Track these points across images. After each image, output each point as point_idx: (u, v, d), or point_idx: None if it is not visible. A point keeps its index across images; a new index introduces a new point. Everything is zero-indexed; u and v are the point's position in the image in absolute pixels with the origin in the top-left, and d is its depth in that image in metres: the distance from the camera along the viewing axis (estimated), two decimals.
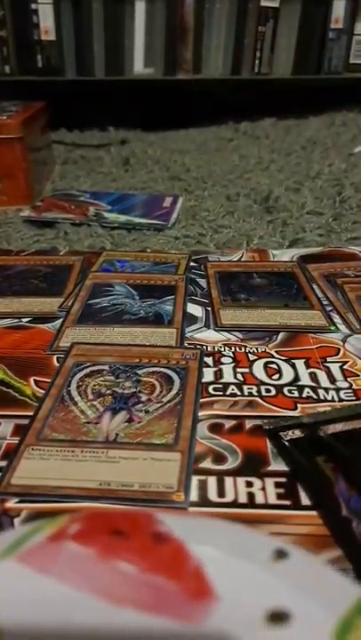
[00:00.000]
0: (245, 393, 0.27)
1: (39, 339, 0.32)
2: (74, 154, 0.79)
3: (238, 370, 0.29)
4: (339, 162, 0.69)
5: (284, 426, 0.24)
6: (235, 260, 0.44)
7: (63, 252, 0.46)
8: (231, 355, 0.30)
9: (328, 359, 0.30)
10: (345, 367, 0.29)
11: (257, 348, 0.31)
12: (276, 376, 0.28)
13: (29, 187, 0.57)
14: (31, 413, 0.25)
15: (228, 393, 0.27)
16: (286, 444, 0.22)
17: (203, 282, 0.39)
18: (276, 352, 0.30)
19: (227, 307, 0.35)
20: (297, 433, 0.23)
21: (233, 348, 0.31)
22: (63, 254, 0.45)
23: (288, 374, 0.28)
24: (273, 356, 0.30)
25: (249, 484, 0.21)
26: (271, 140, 0.85)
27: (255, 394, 0.27)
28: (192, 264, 0.42)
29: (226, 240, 0.47)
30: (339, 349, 0.31)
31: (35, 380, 0.28)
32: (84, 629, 0.12)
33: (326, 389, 0.27)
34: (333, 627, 0.11)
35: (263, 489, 0.21)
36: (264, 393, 0.27)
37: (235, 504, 0.20)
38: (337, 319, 0.34)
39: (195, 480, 0.21)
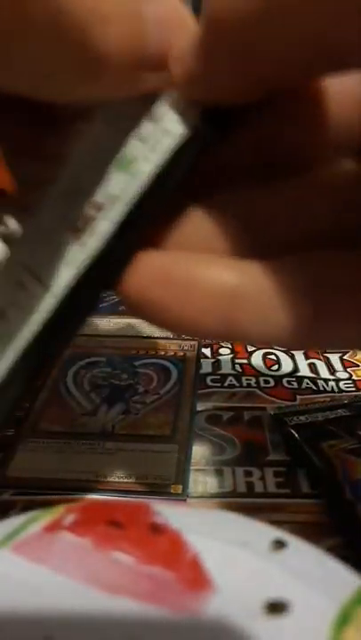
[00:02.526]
0: (244, 384, 0.26)
1: None
2: None
3: (237, 361, 0.28)
4: None
5: (289, 412, 0.24)
6: None
7: None
8: (229, 346, 0.30)
9: (328, 349, 0.30)
10: (345, 358, 0.29)
11: None
12: (275, 367, 0.28)
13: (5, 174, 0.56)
14: (27, 405, 0.25)
15: (226, 384, 0.27)
16: (291, 430, 0.22)
17: None
18: None
19: None
20: (302, 419, 0.23)
21: None
22: None
23: (287, 365, 0.28)
24: (272, 347, 0.30)
25: (248, 474, 0.21)
26: None
27: (254, 385, 0.26)
28: None
29: None
30: None
31: None
32: (79, 618, 0.12)
33: (326, 380, 0.27)
34: (333, 616, 0.11)
35: (262, 478, 0.20)
36: (263, 384, 0.27)
37: (233, 494, 0.20)
38: None
39: (192, 471, 0.21)
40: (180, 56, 0.11)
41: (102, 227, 0.14)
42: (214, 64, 0.10)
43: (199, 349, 0.29)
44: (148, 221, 0.14)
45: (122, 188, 0.14)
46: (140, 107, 0.14)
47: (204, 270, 0.11)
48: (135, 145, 0.14)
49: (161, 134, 0.14)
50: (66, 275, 0.15)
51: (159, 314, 0.11)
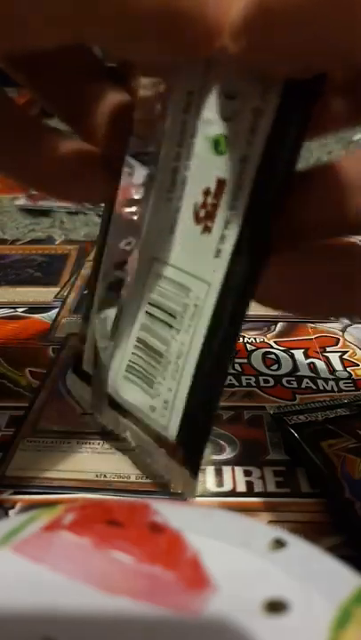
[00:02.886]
0: (243, 384, 0.26)
1: (34, 329, 0.32)
2: None
3: (236, 360, 0.28)
4: (338, 149, 0.68)
5: (289, 411, 0.24)
6: None
7: (59, 240, 0.45)
8: None
9: (327, 349, 0.30)
10: (345, 357, 0.29)
11: (255, 339, 0.30)
12: (274, 366, 0.28)
13: None
14: (26, 404, 0.25)
15: (225, 384, 0.26)
16: (291, 429, 0.22)
17: None
18: (274, 342, 0.30)
19: None
20: (302, 418, 0.23)
21: None
22: (59, 243, 0.45)
23: (287, 365, 0.28)
24: (271, 347, 0.30)
25: (247, 473, 0.21)
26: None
27: (253, 384, 0.26)
28: None
29: None
30: (338, 339, 0.31)
31: (30, 370, 0.28)
32: (79, 617, 0.12)
33: (326, 380, 0.27)
34: (333, 616, 0.11)
35: (262, 477, 0.20)
36: (262, 384, 0.26)
37: (233, 493, 0.20)
38: None
39: None
40: (234, 29, 0.11)
41: (229, 214, 0.15)
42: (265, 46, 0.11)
43: None
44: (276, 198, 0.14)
45: (231, 172, 0.15)
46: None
47: None
48: (230, 126, 0.14)
49: (252, 114, 0.14)
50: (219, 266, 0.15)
51: None
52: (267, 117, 0.14)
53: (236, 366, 0.28)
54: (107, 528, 0.13)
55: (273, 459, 0.21)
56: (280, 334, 0.31)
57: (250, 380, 0.27)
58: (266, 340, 0.30)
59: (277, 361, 0.28)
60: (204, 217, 0.15)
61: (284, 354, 0.29)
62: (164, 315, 0.17)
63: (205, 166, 0.15)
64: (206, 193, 0.15)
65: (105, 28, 0.11)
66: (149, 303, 0.18)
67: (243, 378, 0.27)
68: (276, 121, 0.13)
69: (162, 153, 0.16)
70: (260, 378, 0.27)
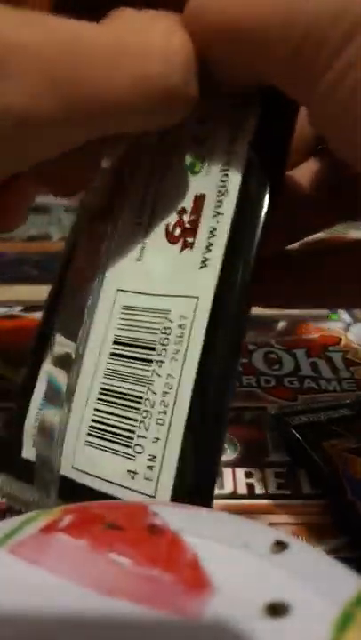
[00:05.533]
0: (244, 384, 0.26)
1: (31, 328, 0.31)
2: None
3: None
4: None
5: (290, 411, 0.23)
6: None
7: (56, 238, 0.45)
8: None
9: (330, 348, 0.29)
10: (347, 357, 0.29)
11: (256, 338, 0.30)
12: (276, 366, 0.28)
13: None
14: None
15: None
16: (292, 430, 0.22)
17: None
18: (276, 342, 0.30)
19: None
20: (303, 418, 0.23)
21: None
22: (56, 241, 0.44)
23: (288, 364, 0.28)
24: (273, 346, 0.30)
25: (248, 475, 0.21)
26: None
27: (254, 385, 0.26)
28: None
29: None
30: (340, 338, 0.30)
31: None
32: (76, 620, 0.11)
33: (328, 380, 0.27)
34: (334, 618, 0.10)
35: (263, 479, 0.20)
36: (264, 384, 0.26)
37: (234, 495, 0.20)
38: None
39: None
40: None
41: (216, 227, 0.14)
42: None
43: None
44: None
45: (209, 188, 0.14)
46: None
47: None
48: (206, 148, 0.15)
49: (230, 130, 0.14)
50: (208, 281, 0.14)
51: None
52: (249, 125, 0.14)
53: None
54: (105, 530, 0.13)
55: (274, 460, 0.21)
56: (282, 333, 0.31)
57: (251, 380, 0.27)
58: (267, 340, 0.30)
59: (279, 361, 0.28)
60: (181, 234, 0.15)
61: (286, 353, 0.29)
62: (137, 351, 0.15)
63: (180, 188, 0.15)
64: (181, 212, 0.15)
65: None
66: (115, 342, 0.15)
67: (244, 378, 0.27)
68: (259, 125, 0.14)
69: (132, 182, 0.16)
70: (262, 378, 0.27)
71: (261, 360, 0.28)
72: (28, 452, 0.16)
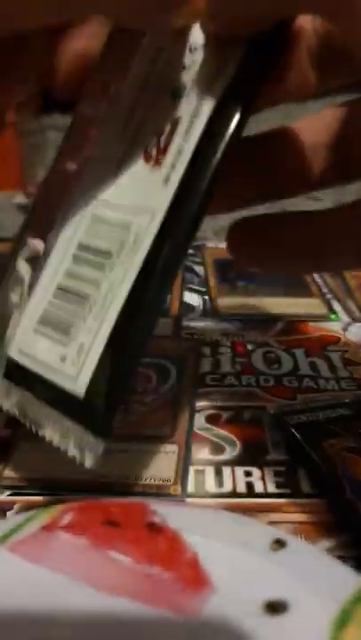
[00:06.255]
0: (244, 383, 0.26)
1: None
2: None
3: (236, 359, 0.28)
4: None
5: (289, 411, 0.23)
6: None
7: None
8: (229, 344, 0.30)
9: (329, 348, 0.29)
10: (346, 356, 0.29)
11: (255, 337, 0.30)
12: (275, 366, 0.28)
13: (22, 173, 0.56)
14: None
15: (225, 383, 0.26)
16: (292, 429, 0.22)
17: (200, 269, 0.39)
18: (275, 341, 0.30)
19: (225, 295, 0.35)
20: (303, 418, 0.23)
21: (231, 338, 0.30)
22: None
23: (287, 364, 0.28)
24: (272, 346, 0.30)
25: (248, 474, 0.21)
26: (270, 125, 0.84)
27: (254, 384, 0.26)
28: (189, 251, 0.42)
29: (224, 226, 0.47)
30: (339, 338, 0.30)
31: None
32: (76, 618, 0.11)
33: (327, 379, 0.27)
34: (333, 616, 0.11)
35: (262, 478, 0.20)
36: (263, 383, 0.26)
37: (233, 494, 0.20)
38: (337, 307, 0.34)
39: (192, 471, 0.21)
40: None
41: (183, 147, 0.15)
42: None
43: (198, 348, 0.29)
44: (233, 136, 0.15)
45: (190, 111, 0.15)
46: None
47: None
48: (186, 74, 0.15)
49: (216, 69, 0.15)
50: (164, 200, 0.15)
51: None
52: (230, 67, 0.15)
53: (237, 365, 0.28)
54: (104, 528, 0.13)
55: (273, 459, 0.21)
56: (281, 333, 0.31)
57: (250, 379, 0.27)
58: (266, 339, 0.30)
59: (278, 360, 0.28)
60: (156, 155, 0.16)
61: (285, 353, 0.29)
62: (95, 255, 0.16)
63: (162, 111, 0.16)
64: (159, 134, 0.16)
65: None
66: (78, 246, 0.16)
67: (243, 377, 0.27)
68: (238, 68, 0.15)
69: (123, 95, 0.17)
70: (261, 377, 0.27)
71: (261, 360, 0.28)
72: None
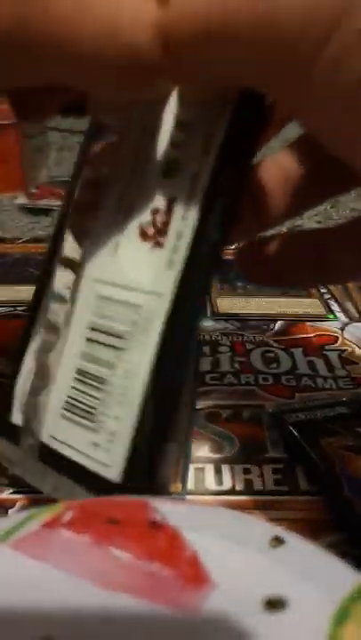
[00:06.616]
0: (243, 382, 0.26)
1: None
2: (69, 140, 0.78)
3: (235, 359, 0.28)
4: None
5: (288, 409, 0.24)
6: (232, 247, 0.43)
7: None
8: (228, 343, 0.30)
9: (326, 347, 0.30)
10: (343, 355, 0.29)
11: (254, 337, 0.30)
12: (273, 365, 0.28)
13: (24, 173, 0.56)
14: None
15: (225, 382, 0.26)
16: (290, 427, 0.22)
17: None
18: (273, 341, 0.30)
19: (224, 295, 0.35)
20: (301, 416, 0.23)
21: (230, 337, 0.30)
22: None
23: (286, 363, 0.28)
24: (271, 345, 0.30)
25: (246, 472, 0.21)
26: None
27: (252, 383, 0.26)
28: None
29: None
30: (337, 337, 0.31)
31: None
32: (78, 615, 0.12)
33: (325, 378, 0.27)
34: (332, 613, 0.11)
35: (261, 476, 0.20)
36: (262, 382, 0.27)
37: (232, 491, 0.20)
38: (335, 307, 0.34)
39: (192, 469, 0.21)
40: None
41: (181, 226, 0.15)
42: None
43: (198, 347, 0.29)
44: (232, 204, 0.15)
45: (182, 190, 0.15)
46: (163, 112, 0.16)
47: None
48: (182, 153, 0.15)
49: (203, 137, 0.15)
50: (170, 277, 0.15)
51: None
52: (218, 136, 0.15)
53: (236, 364, 0.28)
54: (106, 526, 0.13)
55: (272, 457, 0.21)
56: (279, 333, 0.31)
57: (249, 378, 0.27)
58: (265, 339, 0.30)
59: (276, 359, 0.28)
60: (154, 234, 0.16)
61: (284, 352, 0.29)
62: (108, 338, 0.16)
63: (155, 190, 0.16)
64: (155, 212, 0.16)
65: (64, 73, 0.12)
66: (91, 328, 0.16)
67: (242, 376, 0.27)
68: (226, 138, 0.14)
69: (113, 180, 0.17)
70: (260, 376, 0.27)
71: (260, 359, 0.28)
72: (17, 418, 0.18)
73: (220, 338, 0.30)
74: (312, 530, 0.18)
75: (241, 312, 0.33)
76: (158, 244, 0.15)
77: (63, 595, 0.12)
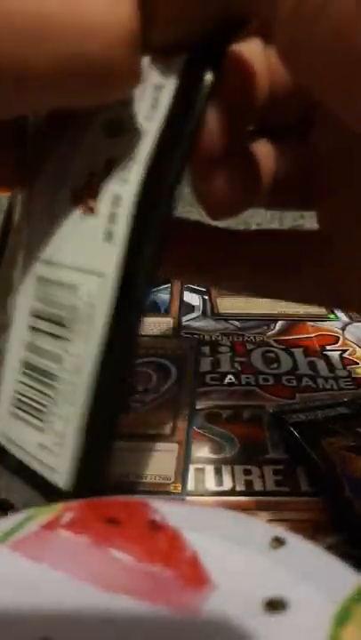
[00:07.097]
0: (243, 382, 0.26)
1: None
2: None
3: (236, 359, 0.28)
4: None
5: (288, 410, 0.24)
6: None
7: None
8: (228, 344, 0.30)
9: (327, 347, 0.30)
10: (344, 355, 0.29)
11: (255, 337, 0.30)
12: (274, 365, 0.28)
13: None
14: None
15: (225, 382, 0.26)
16: (290, 427, 0.22)
17: None
18: (274, 341, 0.30)
19: (224, 295, 0.35)
20: (301, 416, 0.23)
21: (230, 337, 0.30)
22: None
23: (286, 363, 0.28)
24: (271, 345, 0.30)
25: (247, 472, 0.21)
26: None
27: (253, 383, 0.26)
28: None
29: (224, 227, 0.47)
30: (338, 337, 0.31)
31: None
32: (77, 616, 0.11)
33: (325, 378, 0.27)
34: (333, 614, 0.11)
35: (261, 476, 0.20)
36: (262, 382, 0.26)
37: (233, 492, 0.20)
38: None
39: (192, 469, 0.21)
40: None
41: (119, 189, 0.13)
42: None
43: (198, 347, 0.29)
44: (177, 172, 0.13)
45: (126, 150, 0.13)
46: None
47: None
48: (127, 109, 0.13)
49: (153, 91, 0.13)
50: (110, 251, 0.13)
51: None
52: (168, 90, 0.13)
53: (236, 365, 0.28)
54: (105, 527, 0.13)
55: (273, 457, 0.21)
56: (280, 333, 0.31)
57: (249, 378, 0.27)
58: (265, 339, 0.30)
59: (277, 359, 0.28)
60: (85, 196, 0.13)
61: (284, 352, 0.29)
62: (50, 325, 0.14)
63: (94, 150, 0.14)
64: (91, 175, 0.13)
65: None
66: (34, 315, 0.15)
67: (242, 376, 0.27)
68: (177, 93, 0.13)
69: (52, 143, 0.15)
70: (260, 376, 0.27)
71: (260, 359, 0.28)
72: None
73: (220, 338, 0.30)
74: (313, 531, 0.18)
75: (241, 312, 0.33)
76: (89, 209, 0.13)
77: (62, 596, 0.12)
